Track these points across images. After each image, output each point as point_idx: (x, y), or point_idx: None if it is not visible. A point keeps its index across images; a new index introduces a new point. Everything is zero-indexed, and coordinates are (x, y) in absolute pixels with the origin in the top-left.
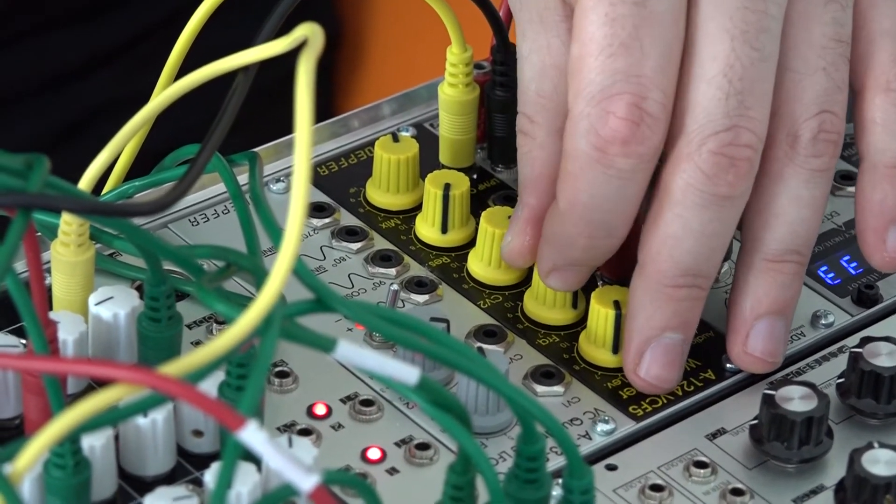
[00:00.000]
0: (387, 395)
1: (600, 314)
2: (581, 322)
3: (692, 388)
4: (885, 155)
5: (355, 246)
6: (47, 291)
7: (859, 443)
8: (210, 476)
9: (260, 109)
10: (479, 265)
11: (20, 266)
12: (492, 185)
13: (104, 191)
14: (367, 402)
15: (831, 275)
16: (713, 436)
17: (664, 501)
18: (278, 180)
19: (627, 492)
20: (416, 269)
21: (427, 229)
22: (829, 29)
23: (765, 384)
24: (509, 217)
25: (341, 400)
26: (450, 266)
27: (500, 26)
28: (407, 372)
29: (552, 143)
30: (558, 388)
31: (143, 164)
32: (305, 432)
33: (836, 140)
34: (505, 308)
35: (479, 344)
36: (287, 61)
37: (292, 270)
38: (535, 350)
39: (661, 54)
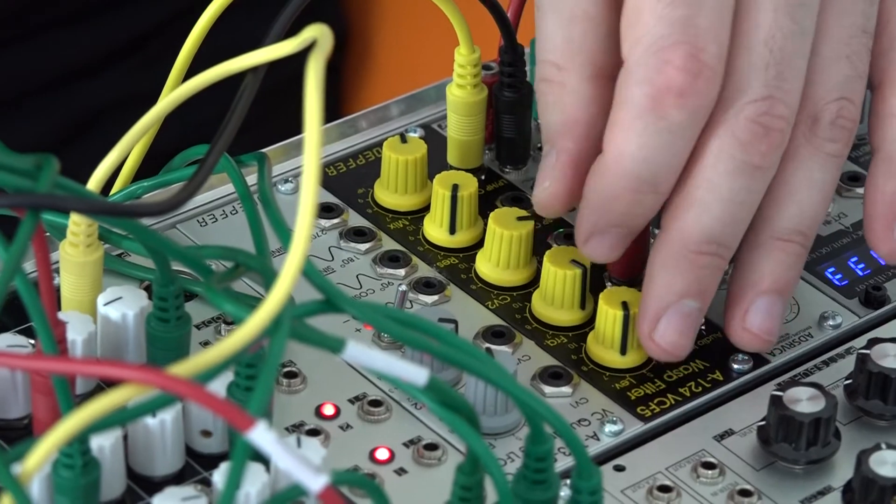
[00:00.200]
0: (395, 396)
1: (608, 315)
2: (589, 323)
3: (700, 389)
4: None
5: (363, 247)
6: (56, 292)
7: (867, 444)
8: (219, 476)
9: (269, 110)
10: (488, 266)
11: (29, 266)
12: (500, 186)
13: (113, 191)
14: (376, 403)
15: (839, 276)
16: (721, 437)
17: (672, 502)
18: (287, 181)
19: (635, 492)
20: (424, 270)
21: (435, 230)
22: (858, 20)
23: (772, 385)
24: (518, 218)
25: (350, 400)
26: (458, 267)
27: (509, 27)
28: (415, 372)
29: (585, 88)
30: (566, 389)
31: (151, 164)
32: (314, 433)
33: (850, 128)
34: (513, 309)
35: (487, 345)
36: (295, 62)
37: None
38: (544, 351)
39: (717, 8)
